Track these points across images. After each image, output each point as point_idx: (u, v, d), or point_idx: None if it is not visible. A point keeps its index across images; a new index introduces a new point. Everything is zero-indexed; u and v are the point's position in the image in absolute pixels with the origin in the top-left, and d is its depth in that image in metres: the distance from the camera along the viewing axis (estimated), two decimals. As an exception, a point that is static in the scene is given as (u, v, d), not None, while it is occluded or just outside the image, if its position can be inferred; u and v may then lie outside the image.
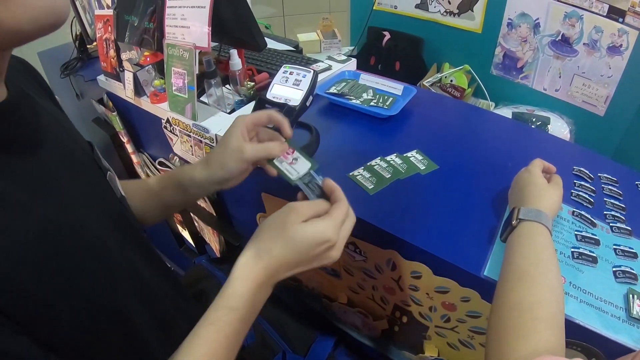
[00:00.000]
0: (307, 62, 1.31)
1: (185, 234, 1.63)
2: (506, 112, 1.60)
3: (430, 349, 0.96)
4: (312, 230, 0.61)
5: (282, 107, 0.88)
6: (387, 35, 1.80)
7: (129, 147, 1.54)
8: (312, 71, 0.90)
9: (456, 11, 1.73)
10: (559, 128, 1.57)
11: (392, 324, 0.99)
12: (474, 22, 1.71)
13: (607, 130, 1.57)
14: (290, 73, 0.91)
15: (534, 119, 1.57)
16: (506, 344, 0.55)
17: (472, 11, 1.70)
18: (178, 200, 0.85)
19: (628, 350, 0.62)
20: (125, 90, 1.30)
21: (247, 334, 0.62)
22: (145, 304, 0.62)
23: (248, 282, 0.60)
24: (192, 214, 1.41)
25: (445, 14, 1.75)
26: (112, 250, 0.57)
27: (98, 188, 0.63)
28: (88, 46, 1.69)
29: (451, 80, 1.65)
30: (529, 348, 0.53)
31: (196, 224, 1.49)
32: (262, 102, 0.91)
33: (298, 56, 1.36)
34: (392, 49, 1.80)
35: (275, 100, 0.90)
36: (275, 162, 0.75)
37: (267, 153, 0.74)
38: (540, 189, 0.77)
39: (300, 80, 0.90)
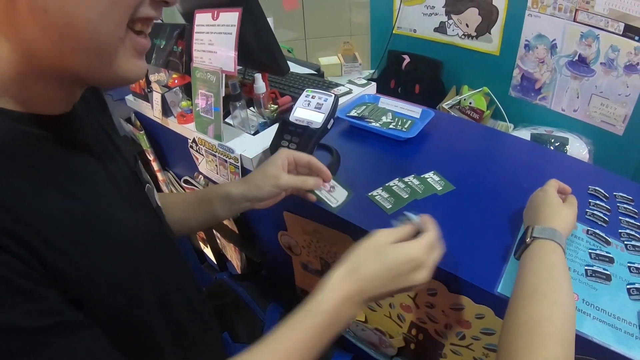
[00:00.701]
0: (328, 86, 1.37)
1: (207, 251, 1.67)
2: (525, 133, 1.62)
3: (447, 367, 0.98)
4: (403, 249, 0.65)
5: (305, 130, 0.93)
6: (407, 59, 1.85)
7: (155, 165, 1.61)
8: (333, 95, 0.94)
9: (474, 34, 1.76)
10: (578, 149, 1.58)
11: (408, 341, 1.01)
12: (491, 44, 1.75)
13: (627, 150, 1.57)
14: (312, 97, 0.96)
15: (552, 140, 1.58)
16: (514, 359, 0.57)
17: (490, 34, 1.74)
18: (211, 214, 0.91)
19: (641, 367, 0.64)
20: (153, 110, 1.37)
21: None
22: (164, 308, 0.64)
23: (335, 292, 0.62)
24: (215, 231, 1.46)
25: (463, 37, 1.79)
26: (141, 250, 0.59)
27: (136, 196, 0.68)
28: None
29: (470, 103, 1.68)
30: None
31: (218, 241, 1.54)
32: (285, 125, 0.96)
33: (319, 80, 1.41)
34: (411, 72, 1.85)
35: (297, 122, 0.94)
36: (315, 190, 0.82)
37: (302, 183, 0.84)
38: (555, 209, 0.78)
39: (322, 104, 0.94)
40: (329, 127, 0.94)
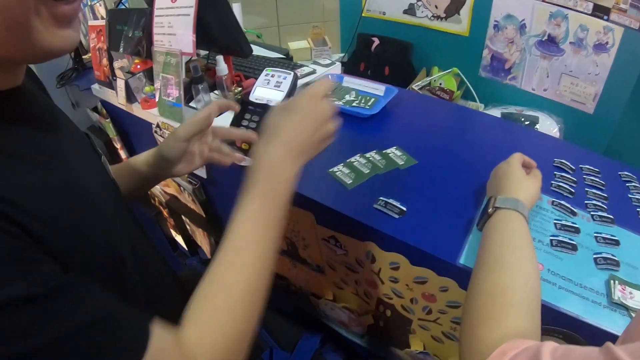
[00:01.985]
0: (293, 67, 1.36)
1: (179, 239, 1.67)
2: (495, 112, 1.63)
3: (416, 344, 0.99)
4: (300, 94, 0.68)
5: (264, 108, 0.92)
6: (376, 41, 1.84)
7: (122, 153, 1.59)
8: (292, 73, 0.94)
9: (443, 15, 1.77)
10: (548, 127, 1.59)
11: (377, 318, 1.02)
12: (460, 25, 1.75)
13: (597, 128, 1.59)
14: (272, 75, 0.96)
15: (522, 119, 1.60)
16: (477, 330, 0.56)
17: (459, 15, 1.74)
18: (139, 178, 0.91)
19: (610, 335, 0.64)
20: (117, 98, 1.35)
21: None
22: (138, 265, 0.64)
23: (262, 166, 0.63)
24: (184, 217, 1.45)
25: (432, 18, 1.79)
26: (110, 218, 0.59)
27: (97, 167, 0.68)
28: (83, 56, 1.74)
29: (440, 84, 1.68)
30: (500, 333, 0.53)
31: (188, 227, 1.53)
32: (245, 104, 0.95)
33: (286, 62, 1.41)
34: (381, 55, 1.84)
35: (257, 101, 0.94)
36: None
37: (197, 124, 0.84)
38: (519, 180, 0.79)
39: (281, 82, 0.94)
40: (289, 105, 0.93)
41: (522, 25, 1.65)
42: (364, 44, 1.89)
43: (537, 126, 1.58)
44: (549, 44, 1.61)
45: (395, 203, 0.85)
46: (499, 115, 1.61)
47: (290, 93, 0.93)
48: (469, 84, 1.71)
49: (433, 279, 0.82)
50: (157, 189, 1.53)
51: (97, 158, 0.71)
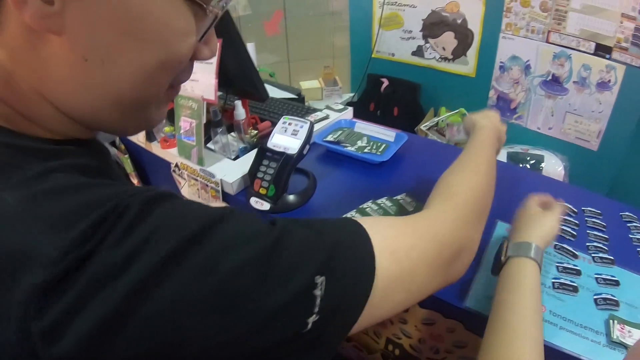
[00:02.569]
0: (307, 112, 1.43)
1: None
2: (501, 152, 1.68)
3: (424, 381, 1.02)
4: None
5: (281, 156, 0.98)
6: (386, 82, 1.91)
7: (140, 190, 1.65)
8: (309, 122, 1.00)
9: (450, 57, 1.84)
10: (553, 165, 1.64)
11: (385, 357, 1.05)
12: (467, 66, 1.82)
13: (602, 164, 1.64)
14: (289, 124, 1.02)
15: (528, 158, 1.65)
16: None
17: (466, 56, 1.81)
18: None
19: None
20: (137, 135, 1.42)
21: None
22: None
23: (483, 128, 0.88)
24: None
25: (440, 60, 1.87)
26: None
27: None
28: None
29: (447, 124, 1.74)
30: None
31: None
32: (263, 151, 1.02)
33: (299, 105, 1.47)
34: (390, 95, 1.91)
35: (275, 149, 1.00)
36: None
37: None
38: (533, 218, 0.80)
39: (298, 131, 1.00)
40: (304, 152, 0.99)
41: (527, 66, 1.71)
42: (374, 84, 1.96)
43: (543, 164, 1.63)
44: (553, 83, 1.67)
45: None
46: (505, 155, 1.66)
47: (307, 141, 0.98)
48: (475, 124, 1.76)
49: (440, 320, 0.86)
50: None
51: None
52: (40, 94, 0.42)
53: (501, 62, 1.76)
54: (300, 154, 0.98)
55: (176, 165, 1.27)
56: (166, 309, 0.34)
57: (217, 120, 1.17)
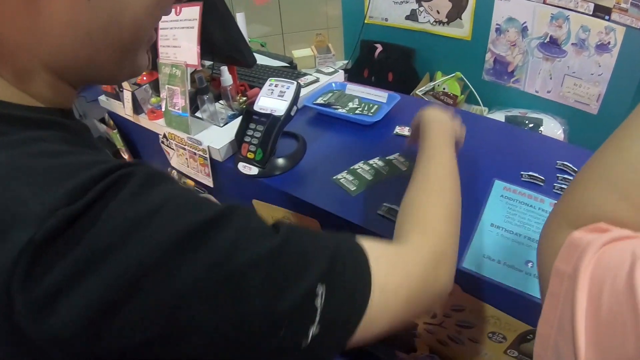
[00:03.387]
0: (297, 77, 1.38)
1: None
2: (499, 116, 1.65)
3: (422, 347, 1.00)
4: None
5: (268, 118, 0.95)
6: (379, 48, 1.87)
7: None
8: (295, 82, 0.96)
9: (445, 20, 1.79)
10: (552, 129, 1.60)
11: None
12: (463, 29, 1.77)
13: (602, 128, 1.60)
14: (276, 85, 0.98)
15: (526, 121, 1.61)
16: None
17: (461, 19, 1.76)
18: None
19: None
20: (124, 109, 1.38)
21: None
22: None
23: (433, 120, 0.83)
24: None
25: (434, 23, 1.81)
26: None
27: None
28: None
29: (444, 88, 1.70)
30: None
31: None
32: (249, 114, 0.98)
33: (289, 71, 1.44)
34: (384, 61, 1.87)
35: (261, 111, 0.96)
36: None
37: None
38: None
39: (285, 92, 0.96)
40: (292, 114, 0.96)
41: (523, 28, 1.67)
42: (367, 50, 1.91)
43: (542, 128, 1.59)
44: (551, 45, 1.63)
45: (397, 208, 0.87)
46: (503, 119, 1.62)
47: (294, 102, 0.95)
48: (472, 88, 1.73)
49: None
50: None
51: None
52: (31, 53, 0.40)
53: (497, 25, 1.70)
54: (288, 115, 0.95)
55: (164, 136, 1.23)
56: (175, 294, 0.32)
57: (202, 87, 1.14)
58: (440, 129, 0.80)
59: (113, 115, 1.53)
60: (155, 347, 0.32)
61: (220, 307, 0.34)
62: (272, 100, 0.97)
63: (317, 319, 0.39)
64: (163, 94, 1.18)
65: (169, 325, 0.32)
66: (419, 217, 0.63)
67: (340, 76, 1.39)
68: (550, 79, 1.67)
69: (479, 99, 1.73)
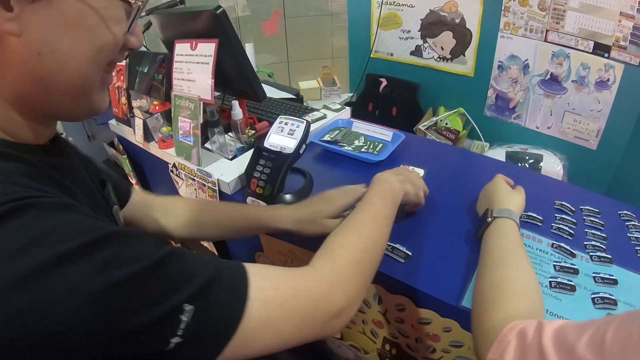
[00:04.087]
0: (304, 112, 1.43)
1: None
2: (500, 152, 1.69)
3: (422, 381, 1.02)
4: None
5: (278, 155, 0.98)
6: (384, 82, 1.91)
7: (137, 188, 1.66)
8: (305, 122, 1.00)
9: (449, 56, 1.84)
10: (552, 165, 1.63)
11: (382, 357, 1.05)
12: (466, 66, 1.82)
13: (601, 164, 1.63)
14: (286, 123, 1.02)
15: (527, 157, 1.64)
16: (483, 316, 0.64)
17: (464, 56, 1.81)
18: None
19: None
20: (135, 135, 1.42)
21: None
22: None
23: (378, 179, 0.89)
24: (190, 249, 1.51)
25: (438, 59, 1.86)
26: None
27: (109, 219, 0.72)
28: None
29: (446, 124, 1.74)
30: (501, 315, 0.61)
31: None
32: (259, 150, 1.02)
33: (296, 105, 1.48)
34: (389, 95, 1.91)
35: (271, 148, 1.00)
36: None
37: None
38: (507, 194, 0.93)
39: (295, 130, 1.00)
40: (300, 152, 0.99)
41: (525, 65, 1.71)
42: (372, 84, 1.96)
43: (542, 164, 1.62)
44: (552, 82, 1.67)
45: (401, 248, 0.90)
46: (503, 154, 1.66)
47: (303, 140, 0.99)
48: (474, 124, 1.77)
49: (437, 320, 0.86)
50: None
51: (109, 210, 0.75)
52: None
53: (500, 62, 1.75)
54: (297, 153, 0.99)
55: (174, 166, 1.27)
56: (40, 305, 0.37)
57: (214, 120, 1.18)
58: (379, 186, 0.86)
59: (122, 140, 1.57)
60: (22, 349, 0.37)
61: (84, 320, 0.38)
62: (282, 137, 1.00)
63: (180, 332, 0.44)
64: (175, 125, 1.22)
65: (34, 330, 0.37)
66: (327, 249, 0.69)
67: (346, 113, 1.43)
68: (551, 115, 1.71)
69: (480, 135, 1.77)
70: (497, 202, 0.90)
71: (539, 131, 1.75)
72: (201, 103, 1.14)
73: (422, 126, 1.72)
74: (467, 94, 1.82)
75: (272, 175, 0.98)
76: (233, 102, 1.21)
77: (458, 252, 0.92)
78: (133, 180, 1.66)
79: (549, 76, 1.67)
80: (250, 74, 1.22)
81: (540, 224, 0.98)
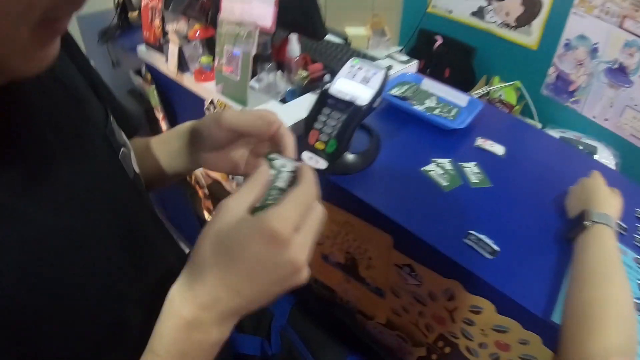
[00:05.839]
0: (365, 58, 1.19)
1: None
2: (553, 135, 1.49)
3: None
4: (249, 224, 0.40)
5: (348, 106, 0.77)
6: (439, 40, 1.67)
7: (164, 125, 1.43)
8: (384, 69, 0.78)
9: (514, 24, 1.60)
10: (605, 160, 1.45)
11: (431, 352, 0.88)
12: (530, 37, 1.59)
13: (654, 169, 1.45)
14: (359, 68, 0.80)
15: (580, 147, 1.45)
16: (577, 341, 0.57)
17: (530, 26, 1.58)
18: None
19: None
20: (167, 64, 1.19)
21: None
22: (149, 313, 0.45)
23: (174, 320, 0.42)
24: None
25: (501, 25, 1.63)
26: (112, 254, 0.45)
27: (105, 175, 0.49)
28: (130, 14, 1.57)
29: (500, 95, 1.53)
30: (599, 346, 0.54)
31: None
32: (325, 97, 0.80)
33: (354, 51, 1.24)
34: (443, 55, 1.68)
35: (340, 96, 0.78)
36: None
37: (249, 125, 0.54)
38: (607, 196, 0.78)
39: (370, 78, 0.78)
40: (375, 105, 0.78)
41: (594, 49, 1.49)
42: (425, 41, 1.72)
43: (596, 156, 1.44)
44: (619, 73, 1.45)
45: (488, 241, 0.71)
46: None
47: (380, 92, 0.77)
48: (530, 100, 1.55)
49: (516, 330, 0.69)
50: (198, 170, 1.36)
51: (110, 157, 0.51)
52: None
53: (567, 40, 1.52)
54: (370, 106, 0.77)
55: (211, 103, 1.05)
56: None
57: (266, 54, 0.95)
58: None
59: (152, 69, 1.33)
60: None
61: None
62: (354, 85, 0.78)
63: None
64: (219, 55, 0.99)
65: None
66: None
67: (413, 67, 1.21)
68: (611, 107, 1.50)
69: (534, 114, 1.56)
70: (596, 204, 0.74)
71: (595, 121, 1.55)
72: (257, 31, 0.91)
73: (474, 94, 1.50)
74: (527, 67, 1.60)
75: (340, 129, 0.76)
76: (291, 35, 0.97)
77: (546, 252, 0.73)
78: (159, 115, 1.43)
79: (617, 65, 1.46)
80: (313, 6, 0.99)
81: (624, 233, 0.80)
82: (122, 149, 0.53)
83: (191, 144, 0.62)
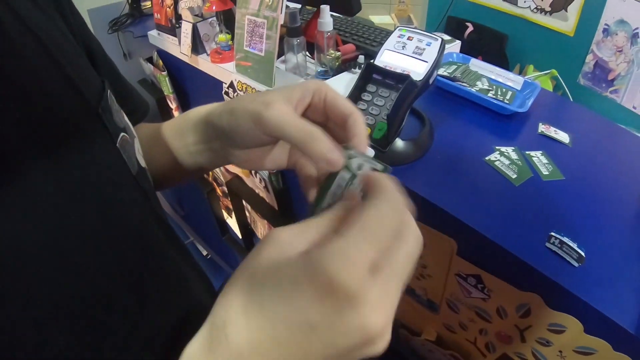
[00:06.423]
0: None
1: (232, 222, 1.36)
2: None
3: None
4: (298, 265, 0.25)
5: (400, 81, 0.62)
6: (470, 27, 1.52)
7: (177, 114, 1.28)
8: (440, 39, 0.63)
9: (548, 9, 1.45)
10: (647, 153, 1.30)
11: (487, 372, 0.73)
12: (566, 23, 1.43)
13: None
14: (409, 38, 0.65)
15: (621, 140, 1.30)
16: None
17: (566, 11, 1.43)
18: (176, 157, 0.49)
19: None
20: (180, 46, 1.05)
21: None
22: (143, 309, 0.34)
23: None
24: (245, 202, 1.13)
25: (535, 10, 1.47)
26: (95, 272, 0.31)
27: (95, 168, 0.34)
28: (142, 3, 1.45)
29: (534, 85, 1.38)
30: None
31: (247, 213, 1.21)
32: (370, 70, 0.65)
33: (383, 31, 1.09)
34: (474, 42, 1.53)
35: (389, 69, 0.63)
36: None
37: (306, 138, 0.32)
38: None
39: (424, 49, 0.63)
40: (430, 82, 0.63)
41: (634, 34, 1.34)
42: (454, 28, 1.57)
43: (638, 150, 1.29)
44: (661, 60, 1.31)
45: (571, 244, 0.56)
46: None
47: (436, 66, 0.62)
48: (566, 90, 1.40)
49: (606, 352, 0.54)
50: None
51: (106, 146, 0.36)
52: None
53: (606, 25, 1.37)
54: (426, 83, 0.62)
55: (230, 86, 0.90)
56: None
57: (294, 27, 0.80)
58: None
59: (164, 54, 1.19)
60: None
61: None
62: (404, 57, 0.64)
63: None
64: (239, 30, 0.84)
65: None
66: None
67: (457, 46, 1.05)
68: (653, 96, 1.36)
69: (571, 104, 1.41)
70: None
71: (635, 112, 1.40)
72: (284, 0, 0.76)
73: (509, 84, 1.35)
74: (563, 55, 1.45)
75: (393, 110, 0.61)
76: (323, 6, 0.82)
77: (634, 259, 0.58)
78: (172, 104, 1.28)
79: (659, 51, 1.31)
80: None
81: None
82: (121, 135, 0.38)
83: (215, 139, 0.43)
